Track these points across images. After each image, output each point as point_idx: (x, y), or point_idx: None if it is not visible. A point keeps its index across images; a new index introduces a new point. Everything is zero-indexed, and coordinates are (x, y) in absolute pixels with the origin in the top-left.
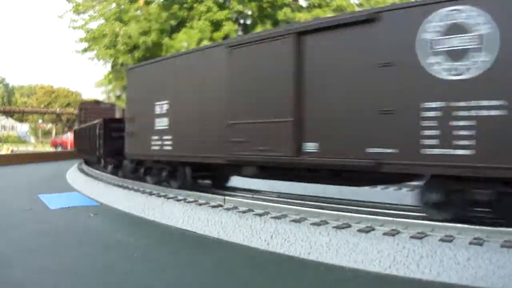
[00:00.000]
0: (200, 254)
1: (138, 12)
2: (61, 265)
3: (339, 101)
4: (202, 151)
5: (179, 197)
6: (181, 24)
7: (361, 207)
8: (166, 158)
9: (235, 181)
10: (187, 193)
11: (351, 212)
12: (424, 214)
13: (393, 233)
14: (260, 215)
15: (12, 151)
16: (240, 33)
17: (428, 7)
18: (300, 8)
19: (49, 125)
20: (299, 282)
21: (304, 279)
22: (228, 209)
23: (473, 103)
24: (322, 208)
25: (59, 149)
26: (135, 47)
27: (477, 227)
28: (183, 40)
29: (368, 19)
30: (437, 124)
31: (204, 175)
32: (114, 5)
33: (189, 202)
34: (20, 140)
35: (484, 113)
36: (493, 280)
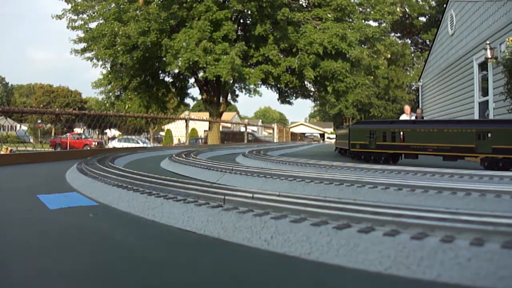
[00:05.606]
0: (200, 255)
1: (138, 11)
2: (60, 265)
3: None
4: None
5: (179, 197)
6: (180, 24)
7: (361, 206)
8: None
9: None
10: (187, 193)
11: (351, 212)
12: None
13: (394, 233)
14: (260, 215)
15: (11, 151)
16: (240, 32)
17: None
18: (300, 8)
19: (48, 125)
20: (299, 283)
21: (304, 280)
22: (228, 209)
23: None
24: (322, 208)
25: (58, 149)
26: (134, 47)
27: (479, 227)
28: (183, 40)
29: None
30: None
31: None
32: (113, 5)
33: (188, 202)
34: (19, 140)
35: None
36: (495, 281)
